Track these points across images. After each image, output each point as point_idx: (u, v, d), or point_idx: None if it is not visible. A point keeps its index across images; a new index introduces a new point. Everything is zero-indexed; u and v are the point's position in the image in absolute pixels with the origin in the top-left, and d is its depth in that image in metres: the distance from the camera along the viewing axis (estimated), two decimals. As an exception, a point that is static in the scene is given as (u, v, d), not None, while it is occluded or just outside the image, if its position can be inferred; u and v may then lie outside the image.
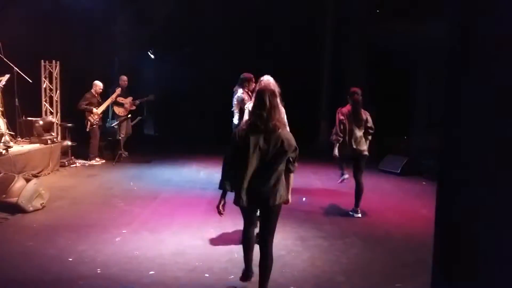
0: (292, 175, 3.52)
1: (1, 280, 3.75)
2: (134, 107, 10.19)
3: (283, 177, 3.40)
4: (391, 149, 10.36)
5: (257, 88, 4.01)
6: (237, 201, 3.40)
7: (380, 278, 4.06)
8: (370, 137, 5.96)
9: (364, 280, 4.00)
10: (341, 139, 5.87)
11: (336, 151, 5.94)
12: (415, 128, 11.55)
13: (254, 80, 6.47)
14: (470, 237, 1.73)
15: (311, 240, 4.96)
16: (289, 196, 3.54)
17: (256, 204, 3.45)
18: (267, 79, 4.59)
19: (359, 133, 5.84)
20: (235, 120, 6.88)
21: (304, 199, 6.77)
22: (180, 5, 11.81)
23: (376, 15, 11.61)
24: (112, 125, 10.11)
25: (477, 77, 1.71)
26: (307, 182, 7.92)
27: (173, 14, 11.97)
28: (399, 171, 9.11)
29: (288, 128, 4.05)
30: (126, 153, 9.84)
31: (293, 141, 3.37)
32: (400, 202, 7.01)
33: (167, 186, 7.51)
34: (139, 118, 10.50)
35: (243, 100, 6.05)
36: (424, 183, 8.25)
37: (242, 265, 3.74)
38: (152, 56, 13.43)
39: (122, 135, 9.86)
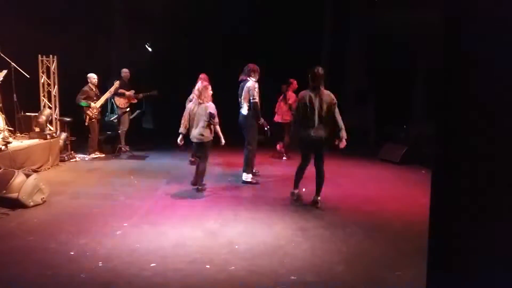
0: (211, 126, 6.38)
1: (2, 275, 3.77)
2: (135, 100, 10.11)
3: (208, 126, 6.37)
4: (390, 137, 10.34)
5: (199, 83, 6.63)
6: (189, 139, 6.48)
7: (380, 266, 4.08)
8: (292, 111, 8.42)
9: (364, 269, 4.02)
10: (276, 113, 9.56)
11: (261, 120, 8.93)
12: (415, 116, 11.51)
13: (259, 71, 6.85)
14: (465, 227, 1.73)
15: (311, 230, 4.98)
16: (211, 136, 6.43)
17: (194, 142, 6.46)
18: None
19: (285, 107, 9.42)
20: (244, 111, 6.95)
21: (304, 189, 6.78)
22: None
23: (376, 2, 11.53)
24: (111, 119, 10.08)
25: (475, 65, 1.70)
26: (307, 173, 7.91)
27: (173, 10, 11.89)
28: (398, 161, 9.10)
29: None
30: (128, 147, 9.84)
31: (210, 109, 6.34)
32: (400, 191, 7.02)
33: (167, 179, 7.52)
34: (138, 111, 10.46)
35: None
36: (424, 171, 8.24)
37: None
38: (150, 49, 13.35)
39: (123, 129, 9.84)
